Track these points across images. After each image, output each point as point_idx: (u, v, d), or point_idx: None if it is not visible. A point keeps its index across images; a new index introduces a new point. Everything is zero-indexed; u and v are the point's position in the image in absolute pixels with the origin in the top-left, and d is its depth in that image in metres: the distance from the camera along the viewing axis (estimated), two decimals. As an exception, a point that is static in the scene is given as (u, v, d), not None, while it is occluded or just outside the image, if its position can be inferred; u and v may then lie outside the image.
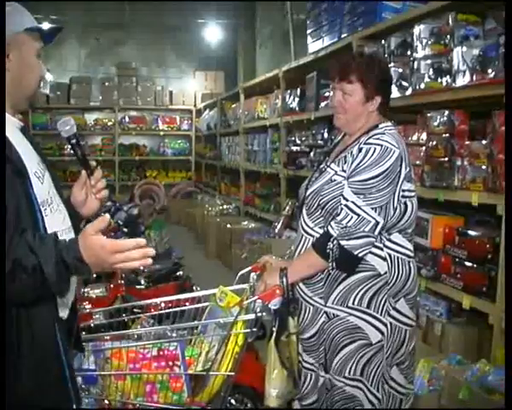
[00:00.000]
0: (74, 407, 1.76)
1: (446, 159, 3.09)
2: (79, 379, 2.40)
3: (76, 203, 1.93)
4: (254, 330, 2.26)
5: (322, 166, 2.35)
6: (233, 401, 2.98)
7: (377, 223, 2.09)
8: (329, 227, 2.12)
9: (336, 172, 2.20)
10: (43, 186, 1.73)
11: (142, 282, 4.50)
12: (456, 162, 3.05)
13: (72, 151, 1.86)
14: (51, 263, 1.49)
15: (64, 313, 1.80)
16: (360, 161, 2.12)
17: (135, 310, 3.07)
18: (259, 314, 2.18)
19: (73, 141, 1.84)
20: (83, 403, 2.43)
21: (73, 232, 1.83)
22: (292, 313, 2.20)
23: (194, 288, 4.09)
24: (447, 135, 3.09)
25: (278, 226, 6.08)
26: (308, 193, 2.27)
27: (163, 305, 3.04)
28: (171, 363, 2.40)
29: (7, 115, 1.73)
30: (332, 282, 2.19)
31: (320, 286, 2.22)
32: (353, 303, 2.16)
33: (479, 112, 3.22)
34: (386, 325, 2.16)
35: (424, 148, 3.30)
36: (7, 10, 1.74)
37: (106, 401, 2.46)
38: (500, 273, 2.75)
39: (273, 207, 7.05)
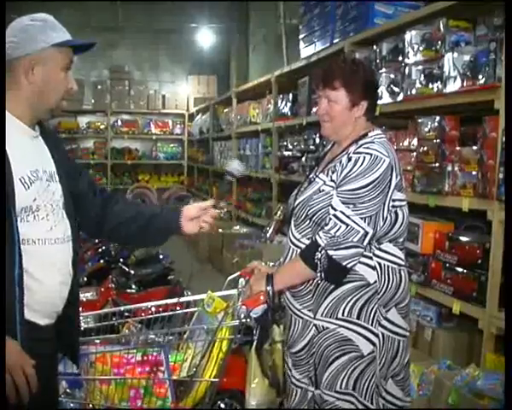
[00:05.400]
0: None
1: (437, 164, 3.10)
2: (64, 383, 2.39)
3: (186, 216, 2.16)
4: (238, 336, 2.24)
5: (310, 175, 2.30)
6: (222, 406, 2.97)
7: (366, 233, 2.03)
8: (317, 236, 2.06)
9: (325, 182, 2.15)
10: (27, 192, 1.73)
11: (133, 286, 4.49)
12: (447, 168, 3.05)
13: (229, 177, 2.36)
14: None
15: (42, 321, 1.82)
16: (349, 171, 2.06)
17: (126, 314, 3.06)
18: (243, 320, 2.15)
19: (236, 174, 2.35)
20: (67, 407, 2.42)
21: (68, 243, 1.88)
22: (277, 320, 2.16)
23: (184, 292, 4.08)
24: (438, 140, 3.10)
25: (269, 231, 6.05)
26: (296, 203, 2.22)
27: (153, 309, 3.03)
28: (155, 368, 2.39)
29: (17, 123, 1.76)
30: (321, 294, 2.12)
31: (309, 298, 2.16)
32: (343, 314, 2.09)
33: (469, 118, 3.23)
34: (377, 335, 2.09)
35: (415, 153, 3.30)
36: (37, 25, 1.77)
37: (90, 406, 2.45)
38: (490, 279, 2.76)
39: (265, 211, 7.04)
